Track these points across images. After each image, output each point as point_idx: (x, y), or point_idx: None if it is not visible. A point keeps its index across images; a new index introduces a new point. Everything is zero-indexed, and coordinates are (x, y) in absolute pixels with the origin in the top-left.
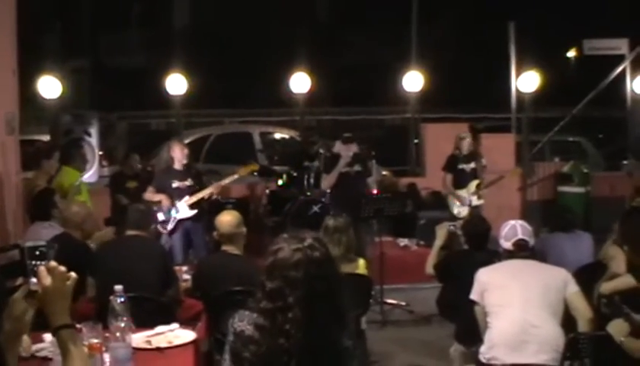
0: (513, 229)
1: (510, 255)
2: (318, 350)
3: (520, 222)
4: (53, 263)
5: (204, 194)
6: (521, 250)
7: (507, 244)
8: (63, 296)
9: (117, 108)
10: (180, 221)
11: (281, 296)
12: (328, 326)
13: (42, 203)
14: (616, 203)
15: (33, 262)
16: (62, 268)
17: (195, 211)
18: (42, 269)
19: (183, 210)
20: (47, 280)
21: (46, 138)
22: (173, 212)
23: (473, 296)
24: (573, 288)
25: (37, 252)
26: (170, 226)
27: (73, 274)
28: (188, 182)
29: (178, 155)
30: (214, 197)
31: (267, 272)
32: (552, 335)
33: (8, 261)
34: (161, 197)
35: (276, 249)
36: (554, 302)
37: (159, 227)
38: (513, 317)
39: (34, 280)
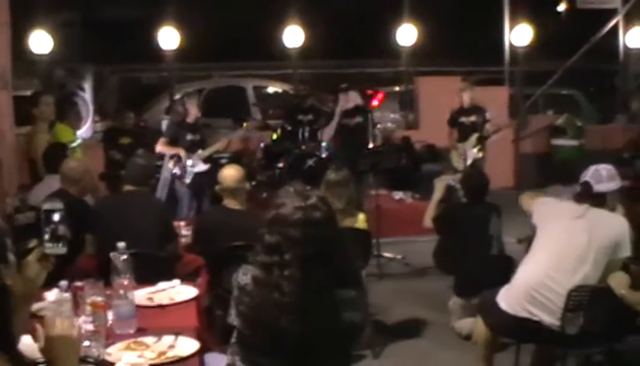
0: (586, 171)
1: (577, 197)
2: (310, 309)
3: (603, 165)
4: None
5: (216, 147)
6: (584, 194)
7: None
8: (72, 346)
9: (108, 62)
10: (196, 174)
11: (278, 251)
12: (322, 287)
13: (52, 157)
14: (609, 156)
15: (49, 224)
16: (68, 319)
17: (209, 165)
18: (47, 321)
19: (198, 163)
20: (52, 330)
21: None
22: (189, 165)
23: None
24: (624, 252)
25: (53, 215)
26: (188, 180)
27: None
28: (198, 136)
29: (194, 110)
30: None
31: (268, 226)
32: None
33: (24, 222)
34: (178, 150)
35: (279, 204)
36: (595, 265)
37: (177, 180)
38: (536, 275)
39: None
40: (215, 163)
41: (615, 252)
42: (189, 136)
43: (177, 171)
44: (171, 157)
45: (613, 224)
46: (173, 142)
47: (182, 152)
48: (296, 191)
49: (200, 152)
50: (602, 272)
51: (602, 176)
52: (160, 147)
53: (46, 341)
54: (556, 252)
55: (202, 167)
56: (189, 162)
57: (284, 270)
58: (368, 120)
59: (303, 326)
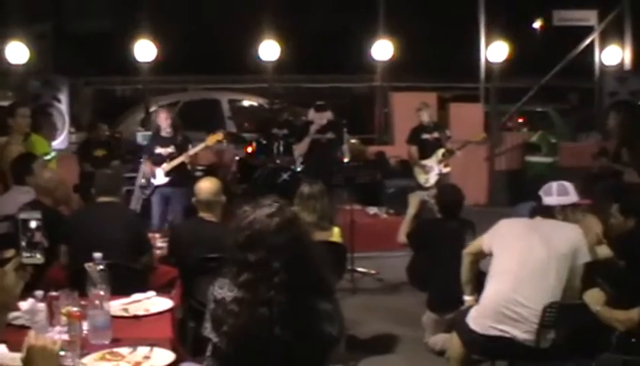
0: (548, 187)
1: (537, 211)
2: (300, 313)
3: (562, 182)
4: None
5: (177, 162)
6: (535, 209)
7: (549, 200)
8: (51, 359)
9: (83, 74)
10: (157, 187)
11: (266, 264)
12: (309, 288)
13: (20, 168)
14: (582, 174)
15: (26, 234)
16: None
17: (168, 178)
18: (31, 333)
19: (159, 176)
20: (35, 340)
21: None
22: (151, 178)
23: (485, 242)
24: (583, 258)
25: (30, 224)
26: (148, 192)
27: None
28: (170, 149)
29: (162, 123)
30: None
31: (246, 245)
32: (539, 314)
33: (0, 232)
34: (147, 163)
35: (249, 222)
36: (556, 273)
37: (140, 191)
38: (502, 292)
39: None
40: (188, 176)
41: (575, 258)
42: (157, 149)
43: (142, 182)
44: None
45: (567, 232)
46: (149, 156)
47: (148, 165)
48: (255, 205)
49: (164, 165)
50: (566, 280)
51: (552, 190)
52: (146, 167)
53: (27, 352)
54: (519, 266)
55: (162, 180)
56: (150, 175)
57: (273, 278)
58: (340, 136)
59: (294, 333)
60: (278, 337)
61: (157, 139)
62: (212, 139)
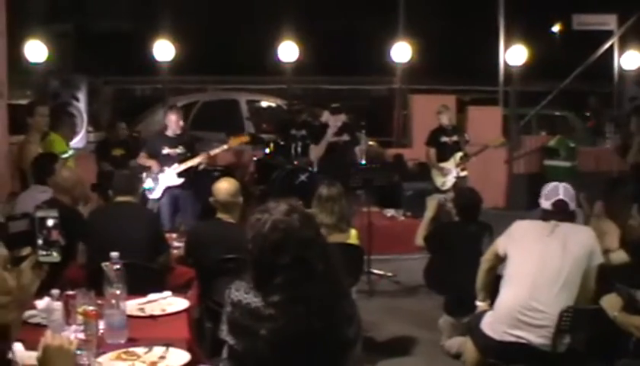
0: (554, 190)
1: (547, 215)
2: (335, 303)
3: (564, 184)
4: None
5: (193, 162)
6: (560, 212)
7: (546, 203)
8: (67, 359)
9: (102, 73)
10: (169, 188)
11: (302, 260)
12: (339, 277)
13: (41, 167)
14: (601, 178)
15: (43, 232)
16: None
17: (182, 179)
18: (47, 333)
19: (170, 177)
20: (51, 339)
21: None
22: (160, 178)
23: (500, 245)
24: (597, 260)
25: (47, 222)
26: (156, 193)
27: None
28: (179, 150)
29: (173, 124)
30: (202, 166)
31: (275, 248)
32: (556, 319)
33: (18, 229)
34: (152, 163)
35: (271, 226)
36: (572, 277)
37: (147, 193)
38: (519, 297)
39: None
40: (206, 176)
41: (590, 260)
42: (165, 150)
43: (150, 184)
44: (145, 169)
45: (581, 234)
46: (151, 155)
47: (155, 166)
48: (266, 208)
49: (175, 165)
50: (580, 283)
51: (544, 192)
52: (139, 160)
53: (43, 351)
54: (537, 271)
55: (174, 181)
56: (160, 177)
57: (312, 272)
58: (354, 138)
59: (328, 324)
60: (316, 330)
61: (163, 138)
62: (235, 141)
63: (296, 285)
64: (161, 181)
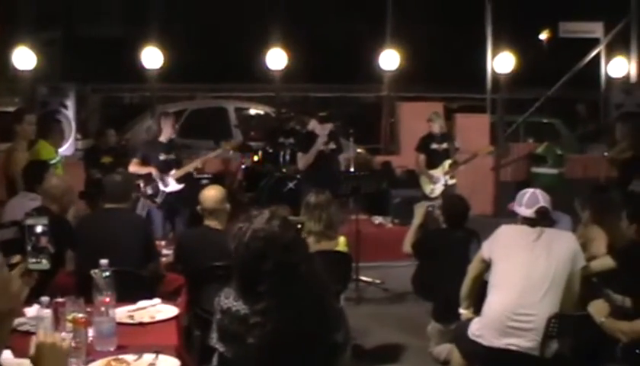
0: (533, 197)
1: (531, 222)
2: (322, 302)
3: (539, 190)
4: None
5: (191, 167)
6: (543, 218)
7: (527, 211)
8: (60, 357)
9: (91, 81)
10: (169, 194)
11: (287, 264)
12: (324, 278)
13: (31, 175)
14: (589, 185)
15: (32, 239)
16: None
17: (182, 185)
18: (40, 331)
19: (171, 183)
20: (44, 338)
21: None
22: (161, 185)
23: (484, 250)
24: (580, 263)
25: (36, 229)
26: (159, 200)
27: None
28: (173, 155)
29: (169, 129)
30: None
31: (258, 255)
32: (545, 323)
33: (7, 237)
34: (150, 169)
35: (252, 235)
36: (558, 280)
37: (148, 201)
38: (507, 304)
39: (32, 259)
40: (195, 183)
41: (574, 264)
42: (162, 156)
43: (149, 191)
44: (141, 177)
45: (565, 238)
46: (144, 161)
47: (154, 172)
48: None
49: (173, 171)
50: (565, 286)
51: (522, 200)
52: (132, 167)
53: (37, 349)
54: (524, 278)
55: (175, 187)
56: (161, 182)
57: (296, 274)
58: (340, 146)
59: (318, 324)
60: (304, 333)
61: (158, 145)
62: (229, 145)
63: (281, 289)
64: (162, 188)
